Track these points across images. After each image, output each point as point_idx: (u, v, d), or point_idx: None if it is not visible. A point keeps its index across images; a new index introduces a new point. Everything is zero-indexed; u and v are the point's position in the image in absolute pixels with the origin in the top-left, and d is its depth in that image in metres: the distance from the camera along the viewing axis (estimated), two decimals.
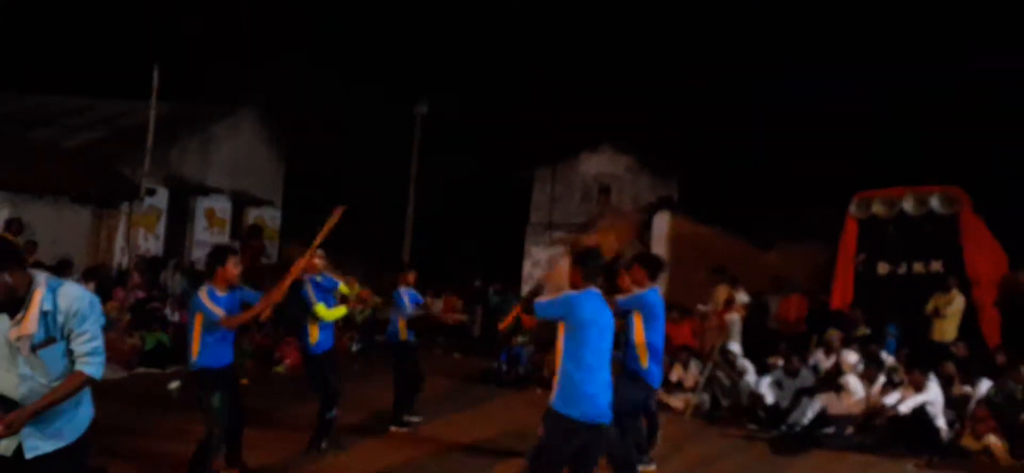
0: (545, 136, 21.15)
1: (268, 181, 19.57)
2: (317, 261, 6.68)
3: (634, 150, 19.42)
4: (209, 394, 5.38)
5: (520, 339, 12.13)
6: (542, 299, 4.52)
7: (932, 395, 8.32)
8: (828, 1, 23.01)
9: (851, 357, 9.46)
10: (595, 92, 23.58)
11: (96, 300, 3.31)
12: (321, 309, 6.61)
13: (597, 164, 19.68)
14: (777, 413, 9.25)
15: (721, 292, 12.30)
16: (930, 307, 11.08)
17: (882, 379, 9.10)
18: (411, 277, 8.06)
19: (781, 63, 21.72)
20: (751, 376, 10.07)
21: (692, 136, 20.76)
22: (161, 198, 16.08)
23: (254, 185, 18.74)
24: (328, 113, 23.20)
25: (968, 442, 8.10)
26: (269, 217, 19.34)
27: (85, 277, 12.04)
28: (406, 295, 7.88)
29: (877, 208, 12.52)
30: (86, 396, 3.39)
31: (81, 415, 3.35)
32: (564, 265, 4.69)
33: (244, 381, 9.85)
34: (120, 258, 14.70)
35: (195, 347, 5.43)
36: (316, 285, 6.70)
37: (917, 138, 18.37)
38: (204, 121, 17.82)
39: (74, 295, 3.21)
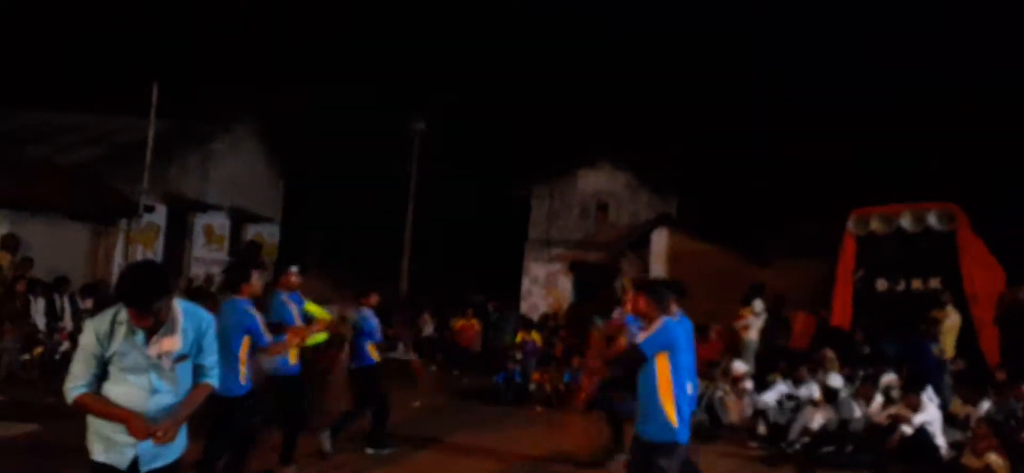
0: (543, 153, 21.21)
1: (267, 198, 19.59)
2: (293, 278, 6.55)
3: (632, 167, 19.46)
4: (252, 416, 5.42)
5: (519, 357, 12.11)
6: (642, 338, 4.59)
7: (930, 414, 8.30)
8: (827, 17, 23.16)
9: (836, 380, 9.44)
10: (593, 108, 23.68)
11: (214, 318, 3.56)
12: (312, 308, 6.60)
13: (595, 181, 19.72)
14: (777, 430, 9.22)
15: (753, 312, 12.26)
16: (927, 325, 11.06)
17: (879, 397, 9.08)
18: (374, 299, 7.74)
19: (779, 79, 21.84)
20: (754, 392, 10.04)
21: (690, 153, 20.83)
22: (160, 215, 16.07)
23: (253, 202, 18.75)
24: (327, 130, 23.27)
25: (969, 461, 8.06)
26: (268, 234, 19.32)
27: (83, 294, 12.01)
28: (372, 317, 7.62)
29: (875, 225, 12.55)
30: None
31: (182, 434, 3.48)
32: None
33: None
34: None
35: (243, 369, 5.34)
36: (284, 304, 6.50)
37: (914, 154, 18.44)
38: (203, 138, 17.83)
39: (202, 314, 3.49)
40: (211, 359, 3.50)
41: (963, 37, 18.59)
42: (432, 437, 8.35)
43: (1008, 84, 17.72)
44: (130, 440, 3.25)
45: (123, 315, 3.24)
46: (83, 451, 3.40)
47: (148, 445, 3.26)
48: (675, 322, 4.63)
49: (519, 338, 13.23)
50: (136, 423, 3.19)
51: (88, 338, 3.27)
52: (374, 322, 7.57)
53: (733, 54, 23.54)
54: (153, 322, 3.20)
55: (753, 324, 12.01)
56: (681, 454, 4.57)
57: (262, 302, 6.00)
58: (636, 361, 4.54)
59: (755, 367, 11.55)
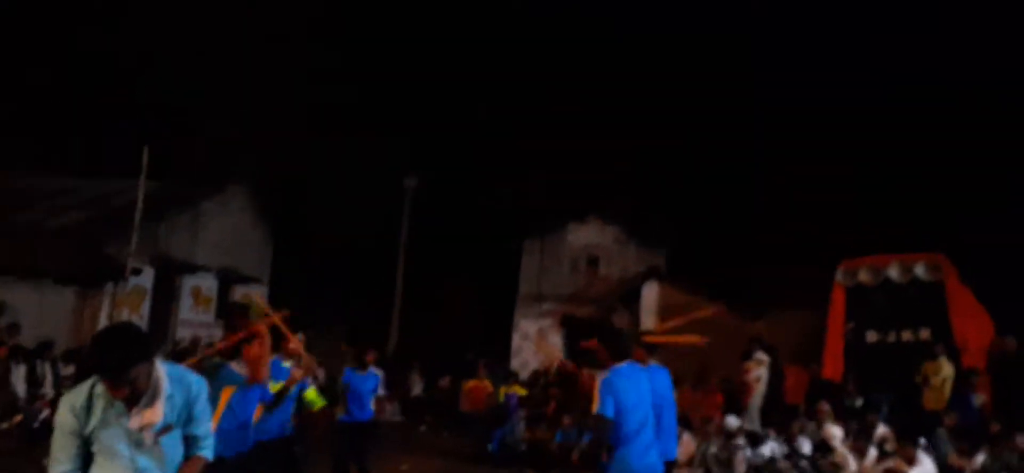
0: (533, 208, 21.27)
1: (256, 257, 19.53)
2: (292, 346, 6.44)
3: (621, 221, 19.54)
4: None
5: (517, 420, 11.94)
6: (594, 407, 4.58)
7: (925, 468, 8.21)
8: (811, 67, 23.56)
9: (835, 431, 9.36)
10: (582, 163, 23.84)
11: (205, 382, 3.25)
12: (311, 394, 6.47)
13: (585, 235, 19.76)
14: None
15: (759, 362, 12.22)
16: (920, 377, 11.03)
17: (873, 451, 8.98)
18: (371, 357, 7.76)
19: (766, 132, 22.09)
20: (747, 449, 9.92)
21: (679, 207, 20.93)
22: (147, 277, 15.97)
23: (242, 262, 18.68)
24: (318, 188, 23.32)
25: None
26: (257, 294, 19.21)
27: (65, 359, 11.86)
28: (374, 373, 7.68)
29: (863, 276, 12.58)
30: None
31: None
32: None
33: None
34: None
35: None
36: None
37: (901, 204, 18.59)
38: (193, 199, 17.84)
39: (190, 378, 3.16)
40: (204, 427, 3.16)
41: (946, 84, 18.91)
42: None
43: (994, 131, 17.98)
44: None
45: (101, 387, 2.94)
46: None
47: None
48: (623, 368, 4.56)
49: (502, 394, 13.05)
50: None
51: (64, 416, 2.97)
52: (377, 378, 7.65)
53: (720, 107, 23.85)
54: (130, 391, 2.88)
55: (763, 376, 11.96)
56: None
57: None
58: (606, 430, 4.50)
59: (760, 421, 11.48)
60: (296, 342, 6.39)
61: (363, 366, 7.59)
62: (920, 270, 12.11)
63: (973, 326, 11.62)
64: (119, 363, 2.84)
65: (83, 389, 2.98)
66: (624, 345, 4.71)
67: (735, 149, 22.42)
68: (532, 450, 11.20)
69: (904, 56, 21.61)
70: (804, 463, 9.27)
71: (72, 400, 2.97)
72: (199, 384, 3.15)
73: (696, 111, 23.23)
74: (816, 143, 20.48)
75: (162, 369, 3.03)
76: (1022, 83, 17.51)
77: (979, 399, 10.54)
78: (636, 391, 4.55)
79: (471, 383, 14.60)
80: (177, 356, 14.13)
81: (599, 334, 4.74)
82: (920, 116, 19.08)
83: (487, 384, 14.53)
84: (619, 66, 26.61)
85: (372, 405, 7.55)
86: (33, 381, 10.91)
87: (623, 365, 4.62)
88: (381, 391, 7.89)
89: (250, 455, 5.31)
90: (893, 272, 12.31)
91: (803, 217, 18.82)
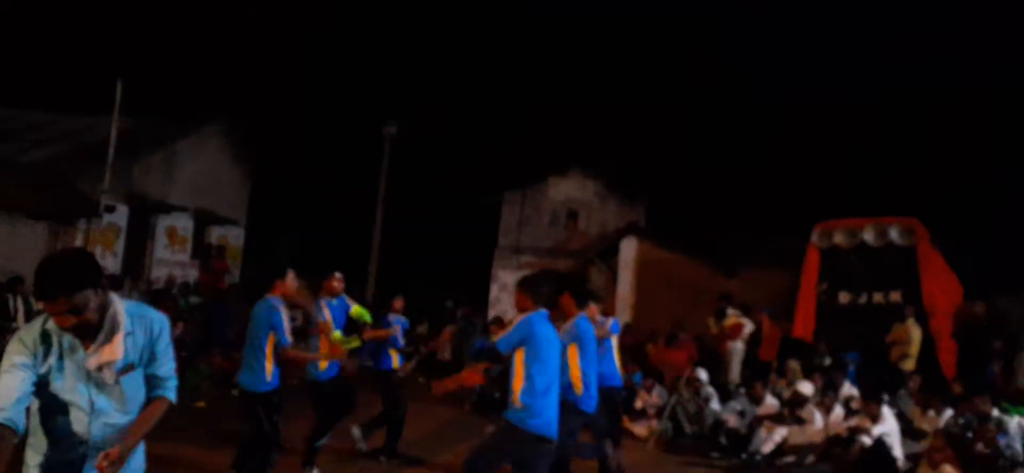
0: (515, 159, 21.20)
1: (232, 200, 19.31)
2: (336, 284, 6.56)
3: (602, 175, 19.54)
4: (274, 414, 5.42)
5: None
6: (499, 336, 4.73)
7: (888, 426, 8.40)
8: (796, 32, 23.50)
9: (806, 387, 9.55)
10: (565, 116, 23.75)
11: (168, 320, 3.04)
12: (336, 336, 6.43)
13: (566, 189, 19.75)
14: (739, 440, 9.29)
15: (729, 320, 12.37)
16: (890, 337, 11.26)
17: (839, 409, 9.18)
18: (399, 303, 7.84)
19: (748, 91, 22.11)
20: (715, 403, 10.11)
21: (659, 162, 20.98)
22: (121, 215, 15.75)
23: (218, 204, 18.47)
24: (296, 132, 23.03)
25: (924, 472, 8.18)
26: (233, 236, 19.06)
27: None
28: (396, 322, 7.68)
29: (838, 238, 12.73)
30: None
31: (139, 456, 3.01)
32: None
33: (201, 404, 9.68)
34: None
35: (269, 366, 5.39)
36: (331, 308, 6.53)
37: (878, 168, 18.78)
38: (168, 138, 17.53)
39: (152, 316, 2.93)
40: (167, 368, 2.95)
41: (925, 50, 18.98)
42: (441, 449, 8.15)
43: (970, 99, 18.11)
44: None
45: (53, 322, 2.68)
46: None
47: None
48: (536, 316, 4.58)
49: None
50: None
51: (14, 348, 2.68)
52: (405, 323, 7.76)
53: (704, 66, 23.78)
54: (78, 322, 2.64)
55: (748, 328, 12.14)
56: (537, 448, 4.54)
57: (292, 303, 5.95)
58: (491, 356, 4.78)
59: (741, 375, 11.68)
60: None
61: (392, 312, 7.68)
62: (894, 233, 12.28)
63: (942, 290, 11.83)
64: (62, 282, 2.60)
65: (35, 325, 2.74)
66: (550, 296, 4.75)
67: (717, 108, 22.43)
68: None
69: (891, 18, 21.61)
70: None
71: (23, 335, 2.72)
72: (161, 322, 2.94)
73: (678, 70, 23.15)
74: (800, 104, 20.55)
75: (120, 305, 2.82)
76: (1002, 52, 17.59)
77: (997, 366, 10.84)
78: (548, 334, 4.63)
79: (450, 330, 14.81)
80: (153, 296, 14.04)
81: (521, 284, 4.81)
82: (901, 79, 19.16)
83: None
84: (606, 20, 26.37)
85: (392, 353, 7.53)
86: (4, 314, 10.81)
87: (542, 312, 4.68)
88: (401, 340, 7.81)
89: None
90: (868, 235, 12.48)
91: (783, 179, 18.98)
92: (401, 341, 7.60)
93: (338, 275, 6.67)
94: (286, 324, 5.45)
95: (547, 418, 4.55)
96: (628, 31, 24.95)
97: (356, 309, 6.84)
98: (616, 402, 7.31)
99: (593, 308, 6.58)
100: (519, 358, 4.56)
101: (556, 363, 4.66)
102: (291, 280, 5.58)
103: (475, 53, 25.11)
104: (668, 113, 22.41)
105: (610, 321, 7.50)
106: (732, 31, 23.81)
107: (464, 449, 8.13)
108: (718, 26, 24.37)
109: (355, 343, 6.66)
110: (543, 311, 4.64)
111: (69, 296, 2.59)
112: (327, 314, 6.50)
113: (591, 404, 5.87)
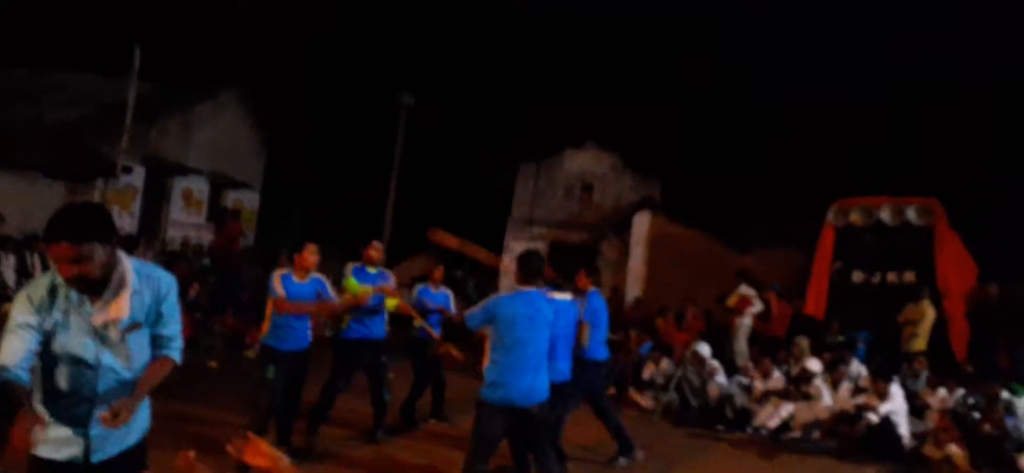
0: (531, 131, 21.10)
1: (248, 164, 19.41)
2: (374, 253, 6.52)
3: (619, 149, 19.43)
4: (264, 367, 5.67)
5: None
6: (469, 313, 4.87)
7: (896, 404, 8.38)
8: (814, 11, 23.12)
9: (814, 364, 9.52)
10: (582, 89, 23.58)
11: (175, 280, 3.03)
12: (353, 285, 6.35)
13: (581, 162, 19.66)
14: (745, 415, 9.30)
15: (733, 297, 12.30)
16: (903, 317, 11.17)
17: (847, 385, 9.16)
18: (438, 273, 7.89)
19: (767, 69, 21.83)
20: (721, 377, 10.11)
21: (676, 138, 20.80)
22: (138, 176, 15.91)
23: (234, 168, 18.58)
24: (312, 100, 23.06)
25: (930, 451, 8.17)
26: (248, 200, 19.20)
27: None
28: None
29: (854, 216, 12.60)
30: None
31: (144, 413, 3.02)
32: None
33: (213, 364, 9.83)
34: None
35: (265, 325, 5.73)
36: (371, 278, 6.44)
37: (897, 148, 18.52)
38: (186, 101, 17.63)
39: (160, 276, 2.93)
40: (173, 328, 2.96)
41: (946, 35, 18.61)
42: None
43: (990, 82, 17.78)
44: (75, 428, 2.80)
45: (60, 277, 2.68)
46: None
47: (99, 429, 2.79)
48: (505, 297, 4.75)
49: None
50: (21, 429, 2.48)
51: (20, 306, 2.69)
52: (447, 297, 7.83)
53: (723, 43, 23.47)
54: (77, 274, 2.62)
55: (756, 305, 12.10)
56: (509, 418, 4.60)
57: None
58: (459, 329, 5.17)
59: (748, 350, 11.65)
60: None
61: (434, 285, 7.76)
62: (912, 213, 12.13)
63: (957, 271, 11.71)
64: (69, 227, 2.60)
65: (42, 281, 2.75)
66: (534, 273, 4.81)
67: (734, 84, 22.17)
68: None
69: (903, 4, 21.20)
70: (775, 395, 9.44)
71: (30, 290, 2.73)
72: (169, 283, 2.94)
73: (698, 43, 22.88)
74: (818, 83, 20.27)
75: (128, 263, 2.82)
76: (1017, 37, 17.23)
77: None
78: (515, 312, 4.65)
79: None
80: (168, 258, 14.20)
81: (516, 261, 4.97)
82: (921, 62, 18.83)
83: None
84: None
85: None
86: (23, 271, 10.98)
87: (522, 290, 4.76)
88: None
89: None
90: (885, 214, 12.34)
91: (799, 157, 18.77)
92: (438, 327, 7.25)
93: (377, 244, 6.54)
94: (275, 285, 5.61)
95: (512, 388, 4.57)
96: (651, 7, 24.67)
97: (391, 301, 6.67)
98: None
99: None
100: (487, 335, 4.73)
101: (530, 337, 4.65)
102: (309, 252, 5.65)
103: (496, 23, 24.95)
104: (686, 89, 22.20)
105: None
106: (757, 11, 23.45)
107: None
108: (743, 7, 24.01)
109: (392, 303, 6.64)
110: (526, 290, 4.73)
111: (73, 242, 2.59)
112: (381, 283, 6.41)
113: (602, 351, 6.75)
